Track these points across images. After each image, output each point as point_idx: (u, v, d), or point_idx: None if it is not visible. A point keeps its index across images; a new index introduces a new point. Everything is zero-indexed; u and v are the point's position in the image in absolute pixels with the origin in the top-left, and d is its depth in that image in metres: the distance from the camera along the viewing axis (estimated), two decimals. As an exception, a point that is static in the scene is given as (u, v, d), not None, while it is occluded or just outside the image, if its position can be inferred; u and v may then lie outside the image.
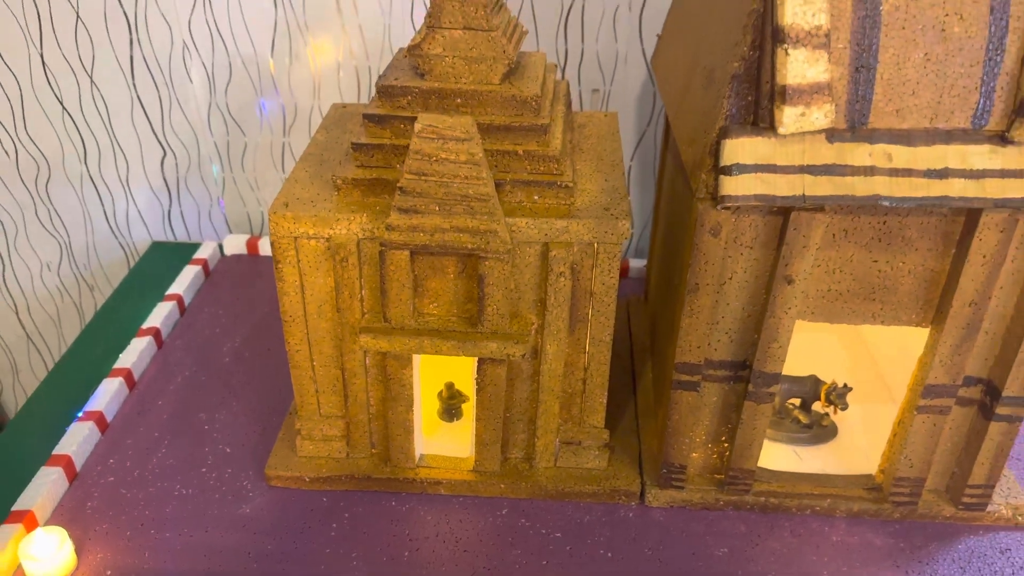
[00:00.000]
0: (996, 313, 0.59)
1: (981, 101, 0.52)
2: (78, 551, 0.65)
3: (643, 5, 0.89)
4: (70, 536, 0.64)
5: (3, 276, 1.12)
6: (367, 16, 0.92)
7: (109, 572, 0.64)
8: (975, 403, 0.64)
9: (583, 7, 0.90)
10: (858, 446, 0.73)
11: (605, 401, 0.69)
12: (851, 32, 0.51)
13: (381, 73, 0.64)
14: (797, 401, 0.74)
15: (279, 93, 0.98)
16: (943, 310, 0.59)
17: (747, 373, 0.63)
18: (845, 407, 0.72)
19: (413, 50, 0.60)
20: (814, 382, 0.73)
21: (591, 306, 0.63)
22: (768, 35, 0.51)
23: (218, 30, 0.93)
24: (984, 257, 0.56)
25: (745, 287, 0.60)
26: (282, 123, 1.00)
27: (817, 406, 0.74)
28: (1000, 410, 0.62)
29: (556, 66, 0.71)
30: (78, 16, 0.93)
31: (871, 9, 0.50)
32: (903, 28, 0.51)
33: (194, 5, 0.92)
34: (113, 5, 0.92)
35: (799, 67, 0.50)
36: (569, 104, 0.72)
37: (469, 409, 0.75)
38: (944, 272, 0.58)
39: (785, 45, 0.50)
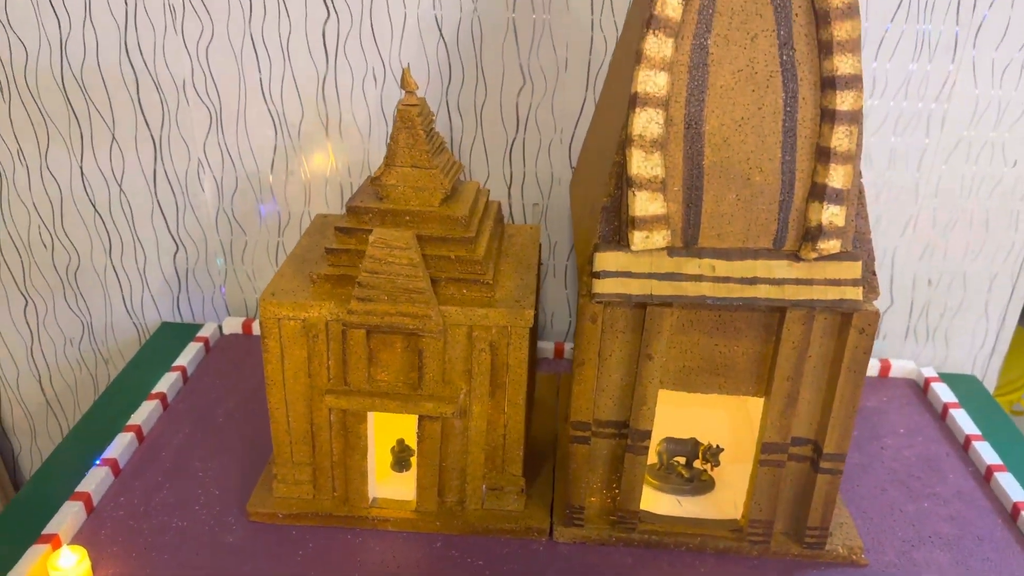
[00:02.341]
0: (812, 385, 0.77)
1: (779, 229, 0.72)
2: (93, 568, 0.81)
3: (572, 139, 1.11)
4: (88, 555, 0.80)
5: (31, 349, 1.30)
6: (350, 143, 1.13)
7: (117, 584, 0.80)
8: (807, 459, 0.81)
9: (523, 140, 1.11)
10: (729, 497, 0.89)
11: (522, 453, 0.86)
12: (683, 180, 0.71)
13: (353, 193, 0.84)
14: (682, 459, 0.92)
15: (276, 201, 1.18)
16: (769, 383, 0.77)
17: (627, 431, 0.80)
18: (717, 464, 0.89)
19: (374, 181, 0.81)
20: (694, 443, 0.91)
21: (507, 376, 0.81)
22: (624, 181, 0.71)
23: (228, 151, 1.14)
24: (793, 343, 0.74)
25: (621, 362, 0.78)
26: (277, 225, 1.20)
27: (697, 463, 0.91)
28: (824, 464, 0.80)
29: (488, 190, 0.91)
30: (114, 137, 1.14)
31: (696, 165, 0.70)
32: (720, 177, 0.71)
33: (208, 130, 1.13)
34: (143, 129, 1.13)
35: (643, 204, 0.70)
36: (500, 219, 0.92)
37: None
38: (768, 354, 0.76)
39: (633, 188, 0.70)
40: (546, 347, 1.20)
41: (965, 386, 1.15)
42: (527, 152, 1.13)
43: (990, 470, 0.95)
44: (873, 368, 1.15)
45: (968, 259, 1.17)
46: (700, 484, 0.91)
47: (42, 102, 1.12)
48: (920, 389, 1.13)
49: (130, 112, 1.12)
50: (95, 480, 0.90)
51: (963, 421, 1.03)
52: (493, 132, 1.12)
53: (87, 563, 0.80)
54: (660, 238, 0.71)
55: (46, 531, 0.83)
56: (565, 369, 1.15)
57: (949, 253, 1.17)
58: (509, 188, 1.15)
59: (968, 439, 1.01)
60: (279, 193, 1.18)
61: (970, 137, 1.10)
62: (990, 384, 1.25)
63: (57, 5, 1.06)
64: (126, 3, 1.06)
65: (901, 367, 1.15)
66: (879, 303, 1.21)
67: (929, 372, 1.13)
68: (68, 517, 0.85)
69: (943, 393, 1.09)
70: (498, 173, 1.14)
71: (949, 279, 1.19)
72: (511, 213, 1.18)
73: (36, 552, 0.80)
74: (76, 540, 0.84)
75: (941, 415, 1.07)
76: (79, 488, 0.89)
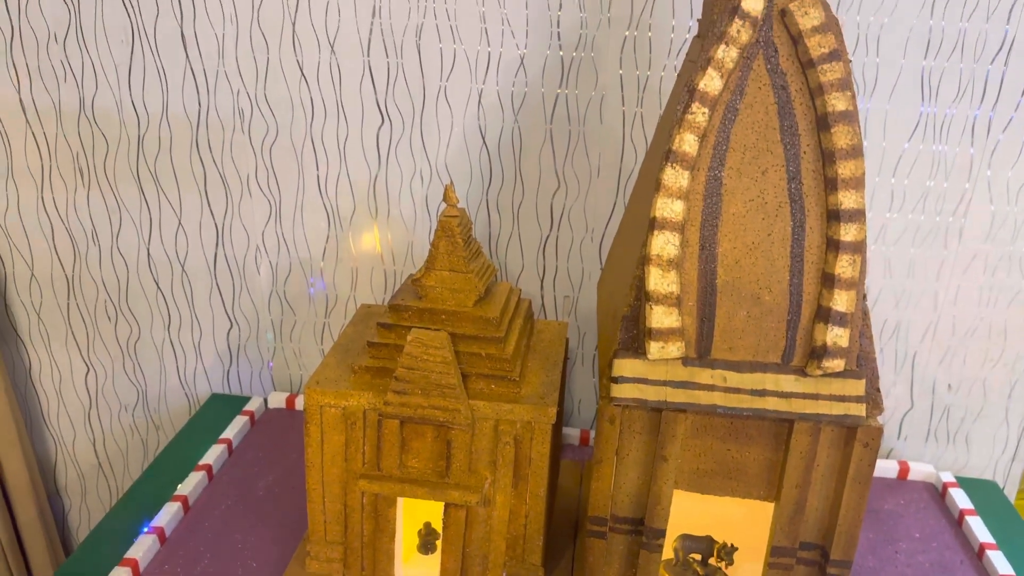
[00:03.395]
0: (820, 493, 0.81)
1: (787, 346, 0.77)
2: (137, 632, 0.87)
3: (602, 238, 1.18)
4: (132, 619, 0.87)
5: (89, 414, 1.38)
6: (396, 234, 1.21)
7: (158, 649, 0.85)
8: (815, 564, 0.84)
9: (557, 237, 1.19)
10: (742, 595, 0.92)
11: (542, 543, 0.90)
12: (697, 296, 0.77)
13: (396, 288, 0.91)
14: (698, 556, 0.95)
15: (325, 286, 1.26)
16: (779, 489, 0.81)
17: (643, 528, 0.85)
18: (731, 563, 0.92)
19: (415, 282, 0.88)
20: (709, 541, 0.94)
21: (530, 468, 0.87)
22: (643, 294, 0.77)
23: (284, 238, 1.23)
24: (801, 452, 0.79)
25: (637, 462, 0.83)
26: (324, 307, 1.28)
27: (712, 561, 0.94)
28: (831, 570, 0.83)
29: (520, 290, 0.98)
30: (180, 223, 1.24)
31: (709, 283, 0.76)
32: (731, 295, 0.76)
33: (267, 220, 1.23)
34: (207, 217, 1.23)
35: (659, 317, 0.75)
36: (530, 316, 0.99)
37: (442, 544, 0.96)
38: (778, 461, 0.81)
39: (650, 302, 0.76)
40: (572, 433, 1.25)
41: (984, 492, 1.16)
42: (560, 249, 1.20)
43: (1003, 581, 0.97)
44: (891, 471, 1.18)
45: (987, 366, 1.20)
46: (714, 581, 0.94)
47: (118, 190, 1.22)
48: (938, 493, 1.15)
49: (197, 201, 1.22)
50: (143, 547, 0.96)
51: (978, 529, 1.05)
52: (528, 230, 1.19)
53: (132, 627, 0.86)
54: (675, 349, 0.76)
55: (96, 595, 0.90)
56: (590, 456, 1.19)
57: (969, 360, 1.20)
58: (542, 281, 1.22)
59: (982, 547, 1.02)
60: (328, 278, 1.26)
61: (987, 251, 1.14)
62: (1011, 490, 1.26)
63: (138, 104, 1.17)
64: (199, 104, 1.16)
65: (919, 470, 1.18)
66: (900, 405, 1.24)
67: (947, 477, 1.15)
68: (117, 582, 0.91)
69: (960, 499, 1.11)
70: (532, 267, 1.21)
71: (969, 385, 1.22)
72: (543, 305, 1.24)
73: (86, 614, 0.87)
74: (123, 604, 0.91)
75: (957, 521, 1.09)
76: (128, 554, 0.95)
